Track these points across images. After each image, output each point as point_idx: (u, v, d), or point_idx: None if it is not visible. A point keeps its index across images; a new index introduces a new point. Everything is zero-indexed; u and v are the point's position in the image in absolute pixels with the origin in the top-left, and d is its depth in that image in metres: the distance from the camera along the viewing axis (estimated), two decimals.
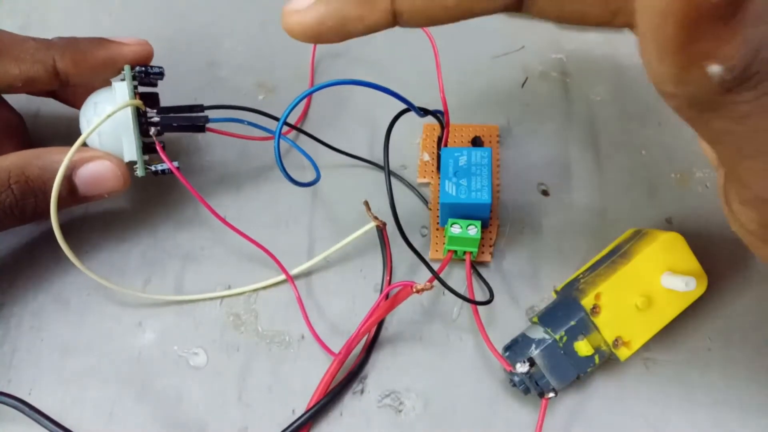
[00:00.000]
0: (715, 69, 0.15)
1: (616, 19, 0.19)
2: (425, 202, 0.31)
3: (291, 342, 0.28)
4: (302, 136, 0.33)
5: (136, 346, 0.28)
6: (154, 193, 0.32)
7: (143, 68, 0.28)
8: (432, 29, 0.30)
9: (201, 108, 0.29)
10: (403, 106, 0.27)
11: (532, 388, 0.25)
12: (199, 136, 0.34)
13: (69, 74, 0.28)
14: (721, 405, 0.27)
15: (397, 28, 0.20)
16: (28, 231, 0.31)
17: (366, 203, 0.27)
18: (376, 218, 0.27)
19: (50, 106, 0.33)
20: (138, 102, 0.27)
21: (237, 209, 0.32)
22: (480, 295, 0.29)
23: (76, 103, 0.31)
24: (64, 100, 0.32)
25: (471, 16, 0.19)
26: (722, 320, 0.28)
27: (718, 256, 0.29)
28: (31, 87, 0.28)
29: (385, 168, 0.26)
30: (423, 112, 0.27)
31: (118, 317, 0.29)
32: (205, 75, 0.36)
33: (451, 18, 0.19)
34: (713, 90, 0.15)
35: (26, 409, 0.25)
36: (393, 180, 0.32)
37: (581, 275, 0.27)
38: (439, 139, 0.30)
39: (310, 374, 0.27)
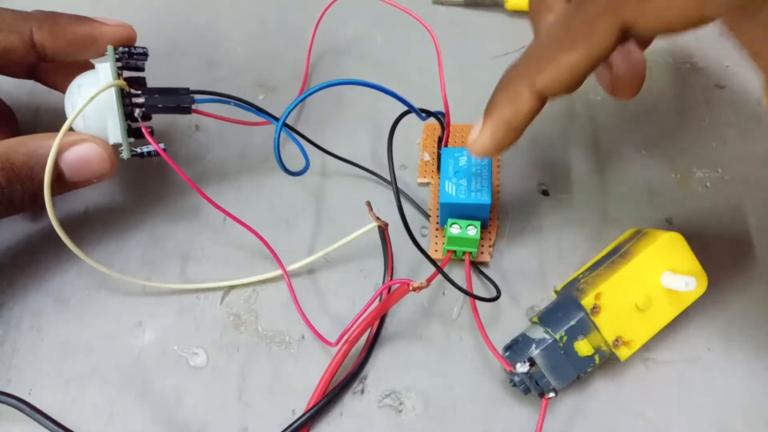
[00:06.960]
0: None
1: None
2: (423, 213, 0.31)
3: (291, 342, 0.28)
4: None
5: (136, 346, 0.28)
6: (154, 193, 0.32)
7: (126, 48, 0.27)
8: (431, 28, 0.30)
9: (187, 90, 0.28)
10: (404, 109, 0.27)
11: (532, 388, 0.25)
12: (199, 135, 0.34)
13: (46, 47, 0.27)
14: (721, 405, 0.27)
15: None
16: (27, 231, 0.31)
17: (368, 204, 0.27)
18: (378, 219, 0.27)
19: (50, 102, 0.33)
20: (122, 82, 0.26)
21: (236, 210, 0.31)
22: (482, 294, 0.29)
23: (56, 84, 0.31)
24: (44, 81, 0.31)
25: (589, 72, 0.22)
26: (722, 320, 0.28)
27: (718, 256, 0.29)
28: (7, 59, 0.27)
29: (390, 171, 0.25)
30: (424, 113, 0.27)
31: (118, 317, 0.29)
32: (205, 75, 0.36)
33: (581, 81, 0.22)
34: None
35: (26, 408, 0.25)
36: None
37: (581, 275, 0.27)
38: (440, 139, 0.30)
39: (310, 374, 0.27)
